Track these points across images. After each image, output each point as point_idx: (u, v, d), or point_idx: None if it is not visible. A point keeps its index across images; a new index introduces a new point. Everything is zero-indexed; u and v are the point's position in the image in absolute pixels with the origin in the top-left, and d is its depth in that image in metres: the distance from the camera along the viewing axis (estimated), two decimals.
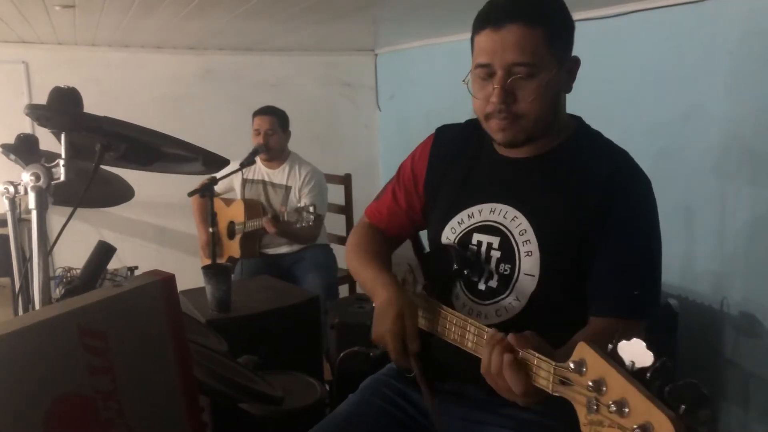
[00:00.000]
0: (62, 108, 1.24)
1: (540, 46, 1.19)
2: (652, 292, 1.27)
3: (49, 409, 0.95)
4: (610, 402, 0.81)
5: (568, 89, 1.30)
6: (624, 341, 0.83)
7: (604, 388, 0.83)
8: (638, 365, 0.81)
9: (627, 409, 0.79)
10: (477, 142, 1.36)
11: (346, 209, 3.66)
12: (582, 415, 0.87)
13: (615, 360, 0.83)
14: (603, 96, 2.74)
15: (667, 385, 0.78)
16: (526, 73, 1.19)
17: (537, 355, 0.98)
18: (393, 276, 1.37)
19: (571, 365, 0.89)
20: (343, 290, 3.67)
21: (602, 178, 1.24)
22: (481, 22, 1.23)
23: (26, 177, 1.23)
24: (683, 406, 0.76)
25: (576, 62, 1.27)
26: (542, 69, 1.20)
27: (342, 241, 3.66)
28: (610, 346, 0.85)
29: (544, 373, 0.96)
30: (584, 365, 0.87)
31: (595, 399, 0.84)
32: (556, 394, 0.93)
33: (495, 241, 1.31)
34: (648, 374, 0.80)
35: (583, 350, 0.88)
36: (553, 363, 0.94)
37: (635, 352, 0.82)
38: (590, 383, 0.84)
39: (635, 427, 0.78)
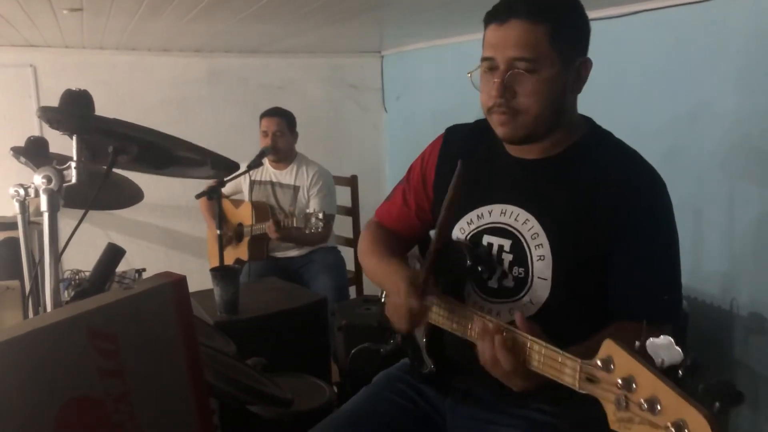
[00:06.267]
0: (74, 110, 1.24)
1: (542, 42, 1.19)
2: (678, 294, 1.27)
3: (59, 412, 0.95)
4: (641, 400, 0.80)
5: (577, 90, 1.28)
6: (652, 338, 0.82)
7: (634, 386, 0.82)
8: (668, 362, 0.80)
9: (659, 407, 0.79)
10: (487, 142, 1.35)
11: (353, 211, 3.64)
12: (611, 412, 0.86)
13: (644, 357, 0.82)
14: (611, 96, 2.73)
15: (700, 383, 0.77)
16: (526, 68, 1.19)
17: (538, 341, 1.02)
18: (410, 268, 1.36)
19: (599, 362, 0.88)
20: (351, 292, 3.66)
21: (616, 179, 1.23)
22: (489, 17, 1.25)
23: (38, 179, 1.23)
24: (717, 404, 0.75)
25: (586, 64, 1.26)
26: (543, 65, 1.20)
27: (349, 243, 3.66)
28: (637, 343, 0.84)
29: (570, 371, 0.95)
30: (612, 362, 0.86)
31: (625, 396, 0.83)
32: (583, 392, 0.92)
33: (506, 243, 1.30)
34: (680, 372, 0.79)
35: (610, 348, 0.87)
36: (579, 360, 0.93)
37: (664, 348, 0.81)
38: (620, 381, 0.83)
39: (669, 424, 0.77)
